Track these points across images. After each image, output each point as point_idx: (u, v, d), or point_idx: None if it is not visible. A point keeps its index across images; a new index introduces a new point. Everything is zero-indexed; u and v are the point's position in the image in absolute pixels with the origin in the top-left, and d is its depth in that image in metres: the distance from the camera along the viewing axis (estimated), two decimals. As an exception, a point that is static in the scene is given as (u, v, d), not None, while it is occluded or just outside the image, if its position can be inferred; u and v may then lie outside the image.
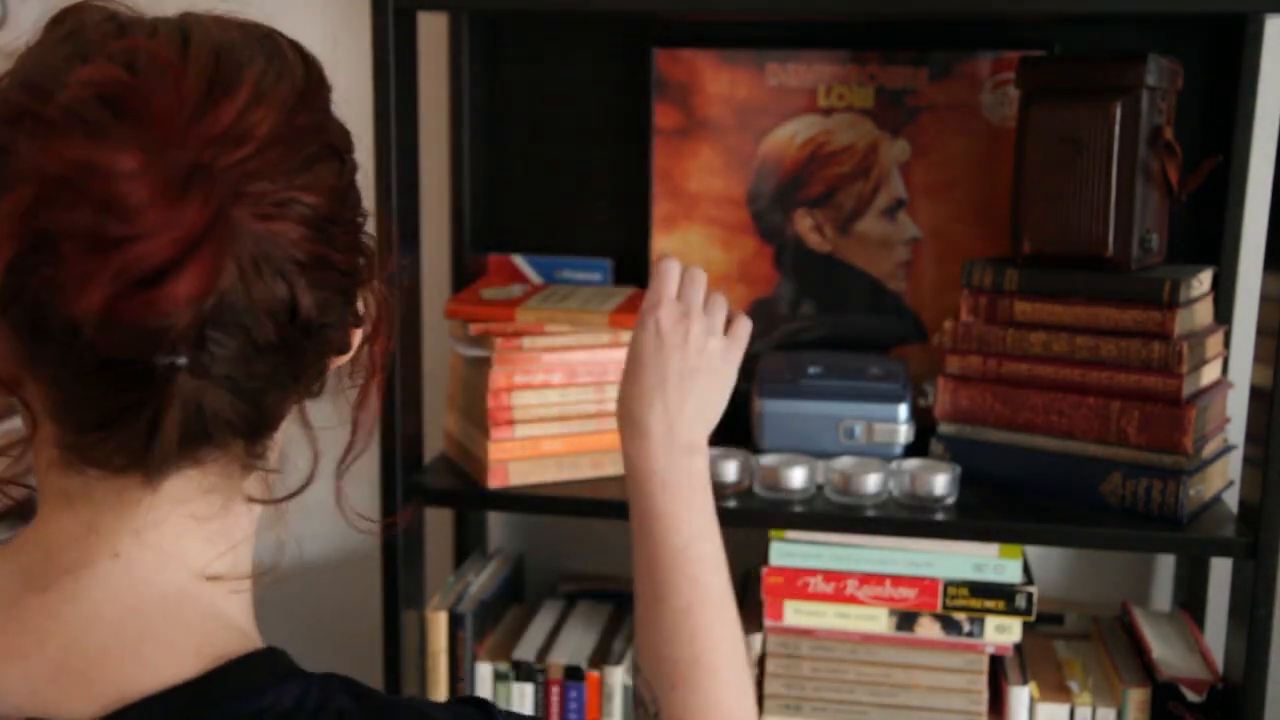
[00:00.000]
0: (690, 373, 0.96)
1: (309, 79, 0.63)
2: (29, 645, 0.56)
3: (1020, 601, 1.24)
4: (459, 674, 1.35)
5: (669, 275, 1.00)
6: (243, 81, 0.57)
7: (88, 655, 0.56)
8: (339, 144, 0.63)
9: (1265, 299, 1.18)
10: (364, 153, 0.85)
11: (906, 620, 1.26)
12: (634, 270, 1.48)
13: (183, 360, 0.54)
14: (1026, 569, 1.26)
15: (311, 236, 0.57)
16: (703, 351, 0.98)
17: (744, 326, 1.03)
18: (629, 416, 0.96)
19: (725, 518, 1.24)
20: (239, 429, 0.59)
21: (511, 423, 1.28)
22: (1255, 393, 1.18)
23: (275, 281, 0.56)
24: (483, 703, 0.65)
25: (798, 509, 1.23)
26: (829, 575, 1.26)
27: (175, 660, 0.57)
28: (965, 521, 1.21)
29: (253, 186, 0.55)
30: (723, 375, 1.00)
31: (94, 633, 0.57)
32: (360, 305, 0.66)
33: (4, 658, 0.56)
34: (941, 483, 1.23)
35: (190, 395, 0.55)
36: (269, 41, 0.62)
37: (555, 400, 1.29)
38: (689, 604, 0.89)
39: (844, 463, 1.26)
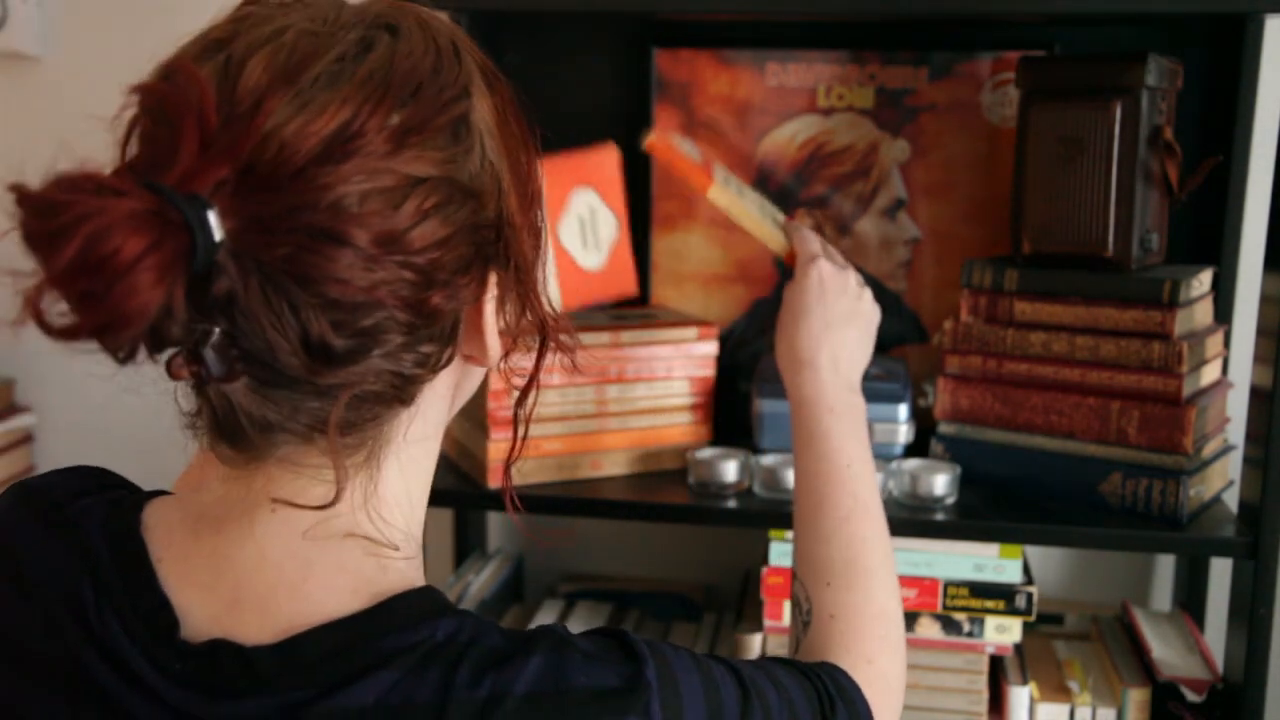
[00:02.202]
0: (851, 317, 1.07)
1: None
2: (208, 579, 0.65)
3: (1020, 601, 1.24)
4: (459, 674, 1.35)
5: (811, 235, 1.12)
6: None
7: (259, 591, 0.64)
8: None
9: (1265, 299, 1.18)
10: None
11: (906, 620, 1.26)
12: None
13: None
14: (1026, 569, 1.26)
15: None
16: (860, 299, 1.09)
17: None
18: (797, 355, 1.06)
19: (725, 518, 1.25)
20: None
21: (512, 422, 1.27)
22: (1255, 393, 1.18)
23: None
24: (619, 633, 0.67)
25: (798, 509, 1.23)
26: (829, 575, 1.26)
27: (334, 597, 0.63)
28: (965, 521, 1.21)
29: None
30: (874, 322, 1.11)
31: (262, 572, 0.64)
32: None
33: (189, 587, 0.65)
34: (941, 483, 1.23)
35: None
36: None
37: (555, 400, 1.29)
38: (849, 513, 0.96)
39: (844, 463, 1.26)
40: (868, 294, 1.10)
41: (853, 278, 1.09)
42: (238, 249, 0.56)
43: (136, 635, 0.63)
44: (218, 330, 0.58)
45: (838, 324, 1.06)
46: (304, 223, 0.57)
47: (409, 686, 0.60)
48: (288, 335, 0.58)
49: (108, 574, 0.65)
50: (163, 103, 0.58)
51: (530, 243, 0.69)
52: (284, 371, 0.60)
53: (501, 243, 0.66)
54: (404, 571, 0.67)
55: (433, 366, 0.65)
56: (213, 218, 0.55)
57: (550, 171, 0.98)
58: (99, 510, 0.69)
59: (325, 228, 0.57)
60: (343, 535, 0.65)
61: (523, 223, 0.68)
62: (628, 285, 1.03)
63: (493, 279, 0.67)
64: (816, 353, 1.05)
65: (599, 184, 0.99)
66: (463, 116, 0.63)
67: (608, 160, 1.00)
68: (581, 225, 0.99)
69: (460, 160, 0.63)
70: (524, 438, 0.74)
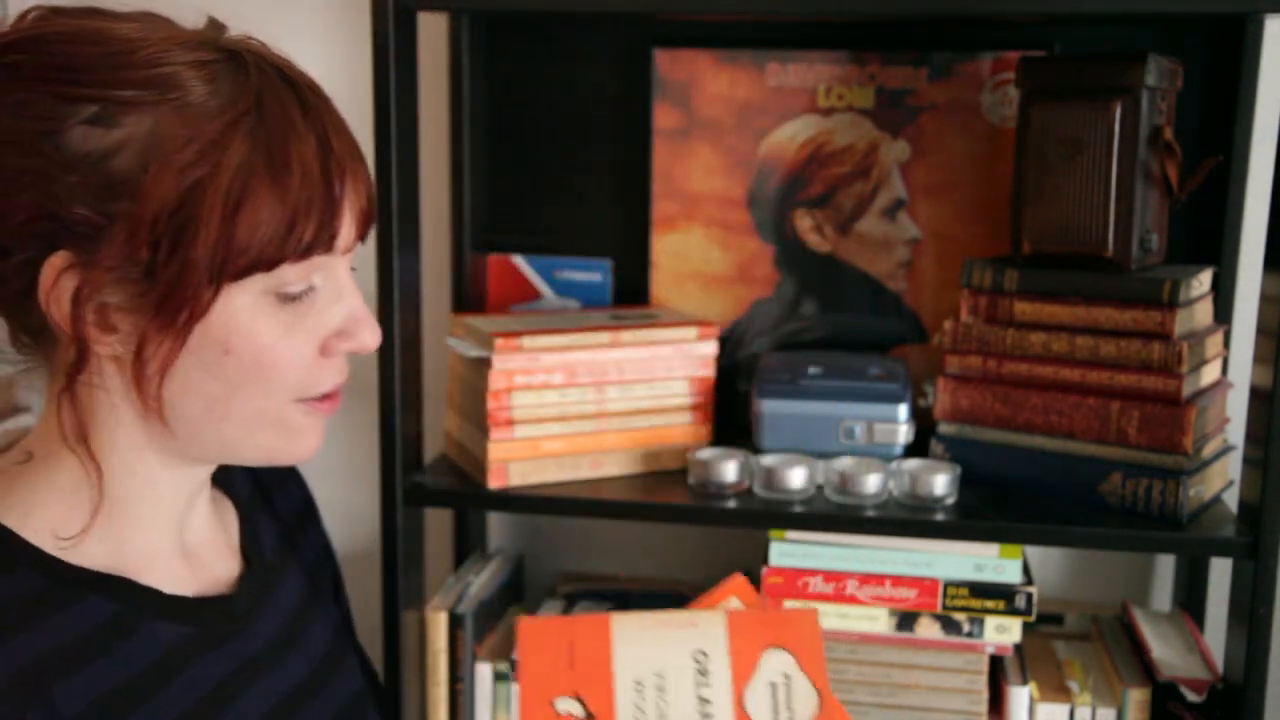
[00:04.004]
0: None
1: None
2: None
3: (1020, 601, 1.24)
4: (459, 674, 1.35)
5: None
6: None
7: None
8: None
9: (1265, 299, 1.18)
10: (364, 152, 0.86)
11: (906, 620, 1.26)
12: (634, 270, 1.49)
13: None
14: (1026, 569, 1.26)
15: None
16: None
17: None
18: None
19: (725, 518, 1.25)
20: None
21: (511, 423, 1.28)
22: (1255, 393, 1.18)
23: None
24: None
25: (798, 509, 1.23)
26: (829, 575, 1.26)
27: None
28: (965, 521, 1.21)
29: None
30: None
31: None
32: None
33: None
34: (941, 483, 1.23)
35: None
36: None
37: (555, 400, 1.29)
38: None
39: (844, 463, 1.26)
40: None
41: None
42: None
43: None
44: None
45: None
46: None
47: None
48: None
49: None
50: None
51: (176, 271, 0.73)
52: None
53: (104, 237, 0.72)
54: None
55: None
56: None
57: (743, 629, 0.89)
58: None
59: None
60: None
61: (151, 235, 0.72)
62: None
63: (61, 257, 0.72)
64: None
65: (797, 649, 0.89)
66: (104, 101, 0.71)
67: (808, 624, 0.90)
68: (774, 693, 0.87)
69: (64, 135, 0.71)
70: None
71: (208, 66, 0.74)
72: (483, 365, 1.28)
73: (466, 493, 1.31)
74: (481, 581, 1.44)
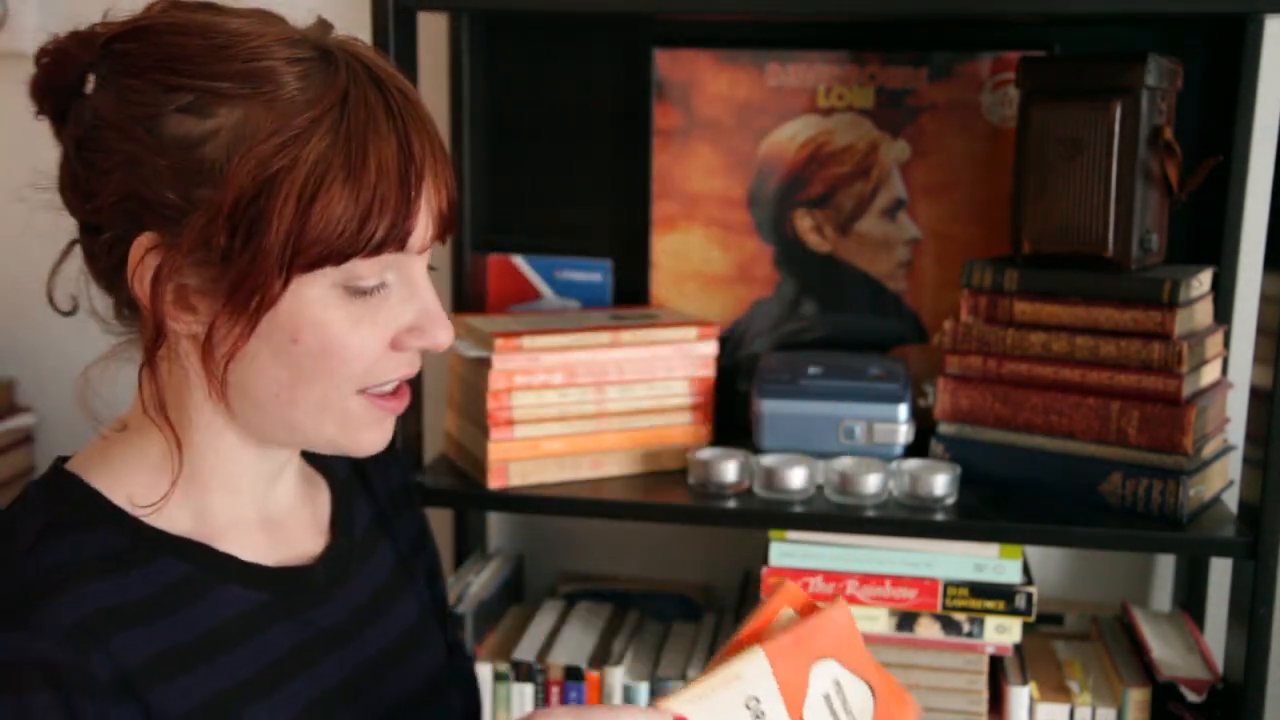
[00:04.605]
0: None
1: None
2: None
3: (1020, 601, 1.24)
4: (459, 674, 1.35)
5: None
6: None
7: None
8: None
9: (1265, 299, 1.18)
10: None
11: (906, 620, 1.26)
12: (634, 270, 1.49)
13: None
14: (1026, 569, 1.26)
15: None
16: None
17: None
18: None
19: (725, 518, 1.25)
20: None
21: (511, 423, 1.28)
22: (1255, 393, 1.18)
23: None
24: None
25: (798, 509, 1.23)
26: (829, 575, 1.26)
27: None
28: (965, 521, 1.21)
29: None
30: None
31: None
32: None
33: None
34: (941, 483, 1.23)
35: None
36: None
37: (555, 400, 1.29)
38: None
39: (844, 463, 1.26)
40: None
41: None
42: None
43: None
44: None
45: None
46: None
47: None
48: None
49: None
50: None
51: (249, 260, 0.74)
52: None
53: (186, 221, 0.74)
54: (91, 455, 0.82)
55: (105, 277, 0.79)
56: None
57: (784, 656, 0.83)
58: None
59: None
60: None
61: (228, 222, 0.74)
62: None
63: (148, 237, 0.75)
64: None
65: (838, 652, 0.84)
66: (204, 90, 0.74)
67: (842, 619, 0.85)
68: (829, 705, 0.84)
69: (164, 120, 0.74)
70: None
71: (302, 63, 0.76)
72: (483, 365, 1.28)
73: (466, 493, 1.31)
74: (481, 581, 1.44)
